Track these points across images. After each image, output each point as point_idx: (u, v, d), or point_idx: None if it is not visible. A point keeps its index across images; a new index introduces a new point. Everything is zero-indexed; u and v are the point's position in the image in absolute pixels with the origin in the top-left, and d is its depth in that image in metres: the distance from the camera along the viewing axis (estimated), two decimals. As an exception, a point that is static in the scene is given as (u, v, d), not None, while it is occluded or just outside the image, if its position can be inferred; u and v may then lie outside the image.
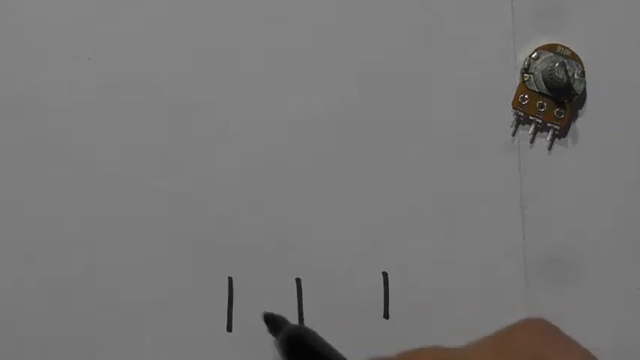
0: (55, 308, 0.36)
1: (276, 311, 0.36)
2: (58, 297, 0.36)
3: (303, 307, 0.37)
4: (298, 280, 0.37)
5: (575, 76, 0.37)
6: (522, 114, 0.37)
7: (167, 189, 0.37)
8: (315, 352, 0.32)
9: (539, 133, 0.38)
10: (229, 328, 0.37)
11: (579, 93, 0.37)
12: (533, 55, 0.37)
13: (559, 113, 0.37)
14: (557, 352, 0.23)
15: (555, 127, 0.37)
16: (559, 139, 0.38)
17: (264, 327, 0.36)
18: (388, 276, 0.37)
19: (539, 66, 0.37)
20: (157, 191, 0.36)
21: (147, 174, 0.37)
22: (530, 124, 0.38)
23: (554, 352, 0.23)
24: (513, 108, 0.37)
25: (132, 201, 0.36)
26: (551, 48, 0.37)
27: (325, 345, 0.32)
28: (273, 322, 0.35)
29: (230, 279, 0.37)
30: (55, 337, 0.36)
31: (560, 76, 0.37)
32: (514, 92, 0.37)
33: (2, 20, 0.37)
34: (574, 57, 0.37)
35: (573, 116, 0.38)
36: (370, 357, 0.27)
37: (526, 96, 0.37)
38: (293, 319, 0.36)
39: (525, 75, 0.37)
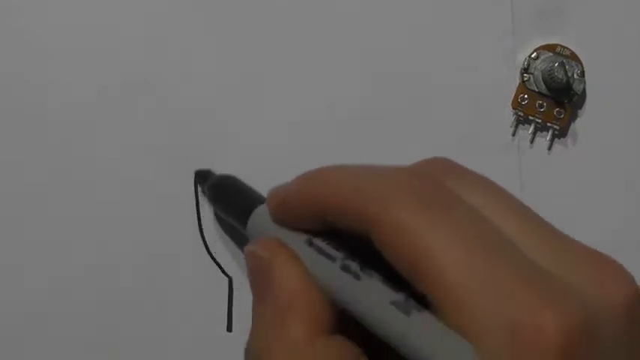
0: (55, 308, 0.36)
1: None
2: (58, 297, 0.36)
3: (303, 307, 0.37)
4: (298, 280, 0.37)
5: (575, 76, 0.37)
6: (522, 114, 0.37)
7: (167, 189, 0.37)
8: (236, 194, 0.33)
9: (538, 133, 0.38)
10: (229, 328, 0.37)
11: (579, 93, 0.37)
12: (532, 55, 0.37)
13: (559, 113, 0.37)
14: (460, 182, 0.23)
15: (555, 127, 0.37)
16: (559, 139, 0.38)
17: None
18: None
19: (539, 66, 0.37)
20: (157, 191, 0.36)
21: (147, 174, 0.37)
22: (530, 124, 0.38)
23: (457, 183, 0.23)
24: (513, 108, 0.37)
25: (132, 201, 0.36)
26: (550, 48, 0.37)
27: (247, 188, 0.33)
28: (202, 176, 0.36)
29: (230, 279, 0.37)
30: (54, 336, 0.36)
31: (560, 76, 0.37)
32: (514, 92, 0.37)
33: (2, 20, 0.37)
34: (573, 57, 0.37)
35: (573, 116, 0.38)
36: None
37: (526, 96, 0.37)
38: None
39: (525, 75, 0.37)
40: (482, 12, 0.38)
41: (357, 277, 0.23)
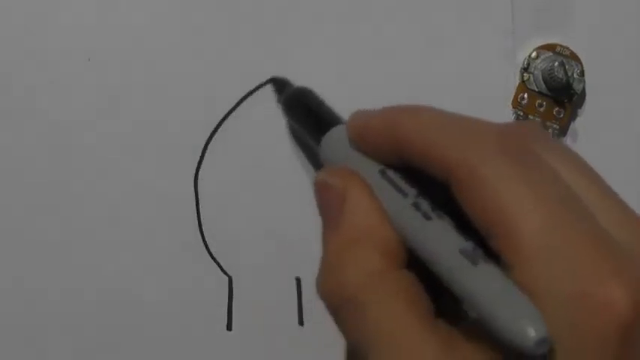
0: (55, 308, 0.36)
1: (276, 311, 0.36)
2: (58, 297, 0.36)
3: (303, 307, 0.37)
4: (298, 280, 0.37)
5: (575, 76, 0.37)
6: (522, 113, 0.37)
7: (167, 189, 0.37)
8: (314, 109, 0.33)
9: (538, 132, 0.38)
10: (229, 328, 0.37)
11: (578, 92, 0.37)
12: (532, 55, 0.37)
13: (558, 113, 0.37)
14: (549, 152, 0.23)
15: (555, 126, 0.37)
16: (558, 138, 0.38)
17: (264, 326, 0.36)
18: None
19: (539, 65, 0.37)
20: (157, 191, 0.36)
21: (147, 174, 0.37)
22: (530, 124, 0.38)
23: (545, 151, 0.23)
24: (513, 107, 0.37)
25: (132, 201, 0.36)
26: (550, 47, 0.37)
27: (326, 105, 0.33)
28: (278, 84, 0.36)
29: (230, 279, 0.37)
30: (55, 336, 0.36)
31: (560, 76, 0.37)
32: (513, 92, 0.37)
33: (2, 20, 0.37)
34: (573, 56, 0.37)
35: (573, 116, 0.38)
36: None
37: (525, 95, 0.37)
38: (293, 319, 0.37)
39: (525, 74, 0.37)
40: (482, 12, 0.38)
41: (427, 217, 0.23)
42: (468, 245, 0.22)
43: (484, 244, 0.22)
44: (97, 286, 0.36)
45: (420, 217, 0.23)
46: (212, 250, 0.37)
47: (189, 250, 0.36)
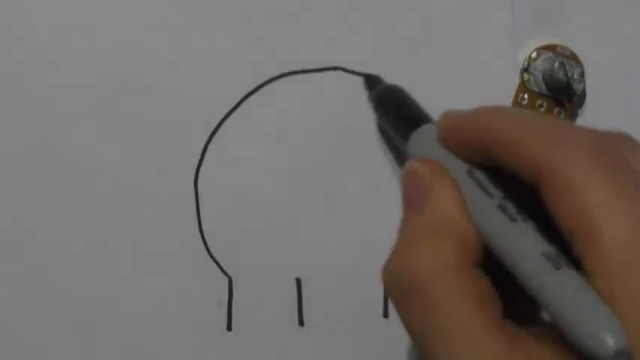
0: (55, 308, 0.36)
1: (276, 311, 0.36)
2: (58, 296, 0.36)
3: (303, 307, 0.37)
4: (298, 280, 0.37)
5: (575, 76, 0.37)
6: (522, 114, 0.37)
7: (167, 189, 0.37)
8: (404, 106, 0.33)
9: (538, 133, 0.38)
10: (229, 328, 0.37)
11: (579, 93, 0.37)
12: (532, 55, 0.37)
13: (559, 113, 0.37)
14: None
15: (555, 127, 0.37)
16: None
17: (264, 327, 0.36)
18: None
19: (539, 66, 0.37)
20: (157, 191, 0.36)
21: (147, 174, 0.37)
22: (530, 124, 0.38)
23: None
24: (513, 108, 0.38)
25: (132, 201, 0.36)
26: (550, 48, 0.37)
27: (416, 104, 0.33)
28: (371, 80, 0.36)
29: (230, 279, 0.37)
30: (55, 336, 0.36)
31: (560, 76, 0.37)
32: (514, 92, 0.37)
33: (2, 20, 0.37)
34: (573, 57, 0.37)
35: (573, 116, 0.38)
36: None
37: (526, 96, 0.37)
38: (293, 319, 0.37)
39: (525, 75, 0.37)
40: (482, 12, 0.38)
41: (512, 219, 0.23)
42: (551, 249, 0.22)
43: (567, 250, 0.22)
44: (97, 286, 0.36)
45: (505, 218, 0.23)
46: (212, 250, 0.37)
47: (189, 250, 0.36)
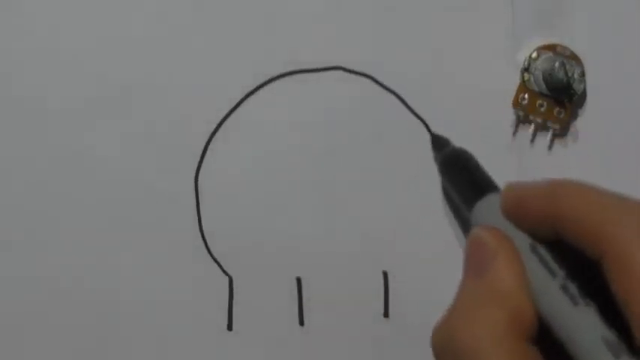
0: (55, 308, 0.36)
1: (275, 311, 0.36)
2: (58, 296, 0.36)
3: (303, 307, 0.37)
4: (298, 280, 0.37)
5: (575, 76, 0.37)
6: (522, 114, 0.37)
7: (167, 189, 0.37)
8: (470, 173, 0.33)
9: (539, 132, 0.38)
10: (229, 328, 0.37)
11: (579, 93, 0.37)
12: (533, 55, 0.37)
13: (559, 113, 0.37)
14: None
15: (555, 126, 0.37)
16: (559, 138, 0.38)
17: (264, 326, 0.36)
18: (388, 276, 0.37)
19: (539, 66, 0.37)
20: (157, 191, 0.37)
21: (147, 174, 0.37)
22: (531, 124, 0.38)
23: None
24: (513, 107, 0.37)
25: (132, 200, 0.36)
26: (551, 48, 0.37)
27: (482, 170, 0.33)
28: (437, 141, 0.36)
29: (230, 279, 0.37)
30: (55, 336, 0.36)
31: (560, 76, 0.37)
32: (514, 92, 0.37)
33: (2, 20, 0.37)
34: (574, 57, 0.37)
35: (573, 116, 0.38)
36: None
37: (526, 96, 0.37)
38: (293, 319, 0.37)
39: (525, 75, 0.37)
40: (482, 12, 0.38)
41: (574, 301, 0.23)
42: (612, 336, 0.22)
43: (628, 333, 0.22)
44: (97, 285, 0.36)
45: (567, 300, 0.24)
46: (212, 250, 0.37)
47: (189, 250, 0.36)
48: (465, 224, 0.36)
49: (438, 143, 0.36)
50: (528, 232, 0.26)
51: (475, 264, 0.26)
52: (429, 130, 0.37)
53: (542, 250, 0.25)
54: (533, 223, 0.25)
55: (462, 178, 0.33)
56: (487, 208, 0.29)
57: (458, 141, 0.37)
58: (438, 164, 0.36)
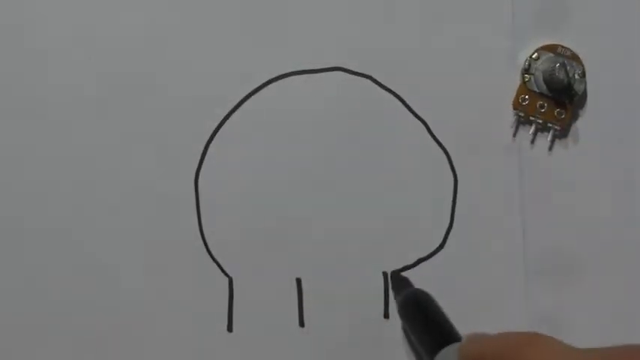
0: (55, 307, 0.36)
1: (276, 311, 0.36)
2: (58, 296, 0.36)
3: (304, 307, 0.37)
4: (298, 280, 0.37)
5: (576, 77, 0.37)
6: (523, 114, 0.37)
7: (167, 189, 0.37)
8: (428, 318, 0.33)
9: (539, 133, 0.38)
10: (229, 328, 0.37)
11: (580, 93, 0.37)
12: (533, 56, 0.37)
13: (559, 113, 0.37)
14: None
15: (556, 127, 0.37)
16: (559, 139, 0.38)
17: (264, 327, 0.36)
18: (388, 276, 0.37)
19: (540, 66, 0.37)
20: (157, 191, 0.37)
21: (147, 174, 0.37)
22: (531, 125, 0.38)
23: None
24: (514, 108, 0.37)
25: (132, 201, 0.36)
26: (551, 48, 0.37)
27: (441, 314, 0.33)
28: (397, 282, 0.36)
29: (230, 279, 0.37)
30: (54, 336, 0.36)
31: (561, 77, 0.37)
32: (515, 93, 0.37)
33: (2, 20, 0.37)
34: (574, 58, 0.37)
35: (574, 116, 0.38)
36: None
37: (526, 96, 0.37)
38: (293, 319, 0.36)
39: (526, 75, 0.37)
40: (482, 12, 0.38)
41: None
42: None
43: None
44: (97, 285, 0.36)
45: None
46: (212, 250, 0.37)
47: (189, 250, 0.36)
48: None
49: (398, 283, 0.36)
50: None
51: None
52: (390, 274, 0.36)
53: None
54: None
55: (423, 324, 0.33)
56: None
57: (458, 141, 0.37)
58: (398, 307, 0.35)
